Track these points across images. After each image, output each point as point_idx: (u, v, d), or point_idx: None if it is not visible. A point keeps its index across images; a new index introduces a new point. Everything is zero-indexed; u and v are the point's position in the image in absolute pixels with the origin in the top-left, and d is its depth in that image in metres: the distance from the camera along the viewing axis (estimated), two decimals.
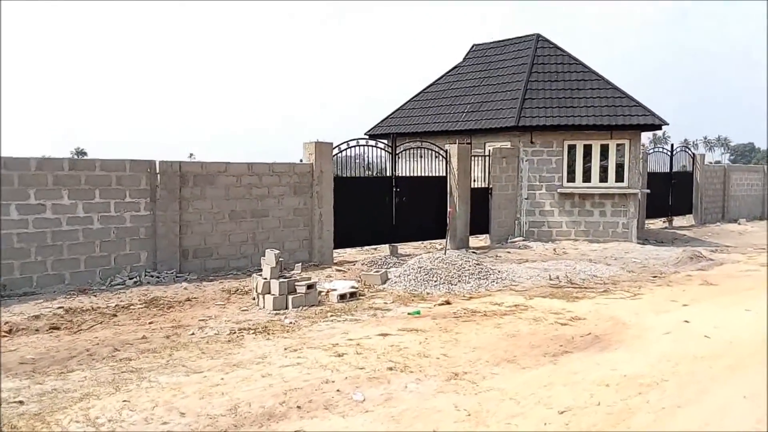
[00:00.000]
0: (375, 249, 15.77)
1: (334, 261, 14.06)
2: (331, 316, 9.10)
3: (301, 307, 9.63)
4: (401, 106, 21.02)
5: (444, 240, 16.23)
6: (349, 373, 6.20)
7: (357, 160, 14.65)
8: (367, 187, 14.64)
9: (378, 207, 14.73)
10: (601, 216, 17.40)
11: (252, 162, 12.76)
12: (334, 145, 13.90)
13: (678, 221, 24.31)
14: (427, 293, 10.73)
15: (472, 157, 17.31)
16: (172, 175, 11.56)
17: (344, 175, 14.33)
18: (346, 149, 14.11)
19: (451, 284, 11.10)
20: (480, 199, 16.91)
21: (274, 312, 9.38)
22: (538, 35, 19.64)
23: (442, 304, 9.90)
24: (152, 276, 11.28)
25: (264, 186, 12.88)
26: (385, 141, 15.04)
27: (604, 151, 17.36)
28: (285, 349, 7.22)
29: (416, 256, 12.25)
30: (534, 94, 17.76)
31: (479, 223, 16.96)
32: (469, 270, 11.55)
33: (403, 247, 16.02)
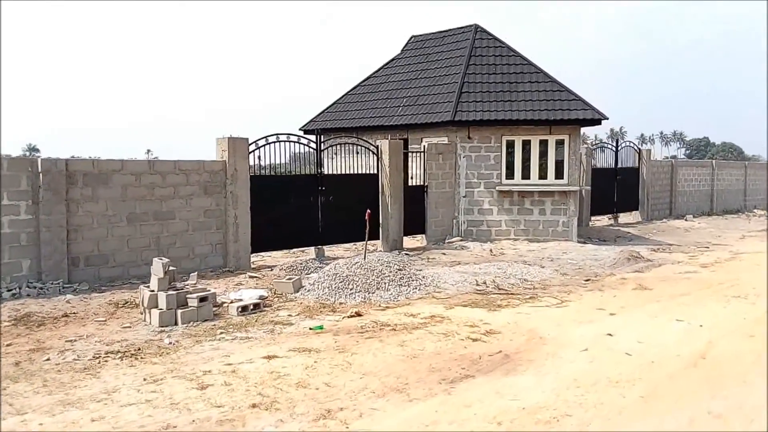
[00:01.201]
0: (303, 251, 14.79)
1: (253, 266, 13.03)
2: (221, 333, 8.09)
3: (191, 323, 8.60)
4: (337, 100, 20.03)
5: (377, 241, 15.33)
6: (199, 414, 5.21)
7: (283, 157, 13.64)
8: (289, 185, 13.63)
9: (302, 207, 13.74)
10: (540, 214, 16.71)
11: (153, 159, 11.64)
12: (250, 141, 12.85)
13: (624, 218, 23.90)
14: (340, 303, 9.80)
15: (410, 154, 16.46)
16: (56, 175, 10.37)
17: (263, 173, 13.28)
18: (264, 145, 13.07)
19: (369, 292, 10.19)
20: (416, 198, 16.05)
21: (159, 329, 8.34)
22: (477, 26, 18.85)
23: (352, 316, 8.98)
24: (34, 287, 10.10)
25: (169, 186, 11.76)
26: (320, 137, 14.03)
27: (544, 147, 16.66)
28: (145, 379, 6.19)
29: (333, 262, 11.30)
30: (471, 88, 16.96)
31: (415, 222, 16.10)
32: (389, 276, 10.65)
33: (334, 250, 15.08)
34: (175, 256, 11.84)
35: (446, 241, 16.31)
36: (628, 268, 12.94)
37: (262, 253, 14.17)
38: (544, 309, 9.37)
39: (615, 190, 22.88)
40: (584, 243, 16.59)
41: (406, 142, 17.31)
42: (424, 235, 16.39)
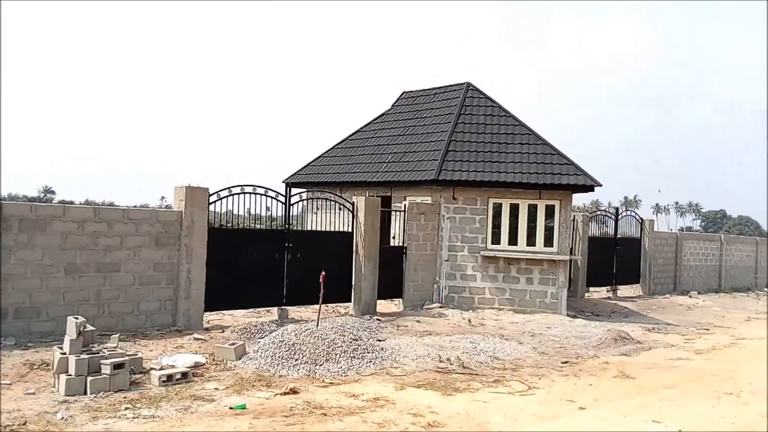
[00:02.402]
0: (269, 311, 13.77)
1: (208, 325, 12.06)
2: (127, 409, 7.07)
3: (102, 393, 7.59)
4: (322, 154, 19.36)
5: (349, 304, 14.33)
6: None
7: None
8: (252, 240, 12.73)
9: (266, 264, 12.82)
10: (528, 283, 15.66)
11: (99, 206, 10.84)
12: (211, 192, 12.05)
13: (625, 291, 22.68)
14: (280, 376, 8.77)
15: (392, 212, 15.63)
16: None
17: (223, 227, 12.44)
18: (227, 196, 12.26)
19: (316, 364, 9.16)
20: (394, 260, 15.11)
21: (63, 398, 7.35)
22: (469, 84, 18.26)
23: (286, 393, 7.94)
24: None
25: (115, 235, 10.91)
26: (304, 190, 13.27)
27: (533, 212, 15.75)
28: None
29: (281, 327, 10.29)
30: (458, 146, 16.21)
31: (393, 286, 15.11)
32: (341, 347, 9.62)
33: (301, 311, 14.05)
34: (117, 311, 10.94)
35: (425, 306, 15.27)
36: (614, 350, 11.79)
37: (224, 312, 13.21)
38: (506, 396, 8.26)
39: (614, 261, 21.74)
40: (574, 317, 15.46)
41: (389, 200, 16.55)
42: (401, 300, 15.36)
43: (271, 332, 11.05)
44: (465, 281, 15.75)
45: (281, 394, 7.90)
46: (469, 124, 16.92)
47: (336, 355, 9.43)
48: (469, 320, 14.11)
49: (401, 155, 17.00)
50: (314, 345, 9.48)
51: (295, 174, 18.97)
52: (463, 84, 18.30)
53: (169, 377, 8.27)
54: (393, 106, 19.94)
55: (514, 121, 17.04)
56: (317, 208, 15.55)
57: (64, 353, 7.88)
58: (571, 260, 16.44)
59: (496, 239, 15.81)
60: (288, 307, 13.28)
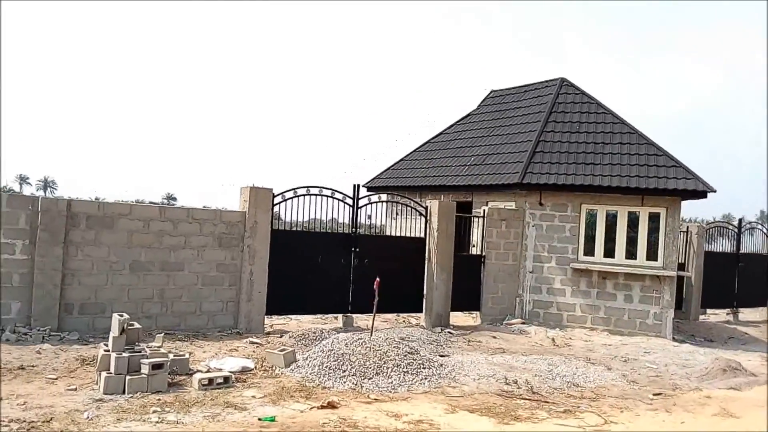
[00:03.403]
0: (336, 318, 13.31)
1: (270, 329, 11.79)
2: (155, 412, 6.77)
3: (138, 393, 7.38)
4: (404, 157, 18.73)
5: (420, 314, 13.58)
6: None
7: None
8: (317, 244, 12.32)
9: (331, 269, 12.33)
10: (626, 301, 14.20)
11: (165, 205, 10.79)
12: (276, 192, 11.75)
13: (748, 314, 20.03)
14: (324, 387, 8.21)
15: (472, 218, 14.72)
16: (55, 215, 9.76)
17: (288, 229, 12.10)
18: (292, 197, 11.91)
19: (365, 377, 8.52)
20: (472, 269, 14.19)
21: (99, 397, 7.20)
22: (563, 79, 16.94)
23: (323, 407, 7.37)
24: (18, 332, 9.37)
25: (180, 235, 10.84)
26: (357, 192, 12.74)
27: (633, 221, 14.30)
28: None
29: (333, 336, 9.73)
30: (547, 147, 15.02)
31: (470, 297, 14.19)
32: (394, 360, 8.92)
33: (365, 319, 13.46)
34: (180, 311, 10.87)
35: (505, 322, 14.21)
36: (720, 382, 10.23)
37: (291, 316, 12.91)
38: (574, 431, 7.23)
39: (736, 280, 19.42)
40: (681, 342, 13.77)
41: (470, 205, 15.65)
42: (479, 313, 14.40)
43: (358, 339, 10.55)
44: (552, 296, 14.54)
45: (318, 408, 7.34)
46: (561, 122, 15.68)
47: (387, 368, 8.75)
48: (553, 339, 12.94)
49: (483, 158, 16.05)
50: (365, 356, 8.84)
51: (374, 178, 18.48)
52: (556, 80, 17.05)
53: (210, 381, 7.97)
54: (479, 106, 18.96)
55: (614, 118, 15.59)
56: (396, 214, 14.97)
57: (107, 350, 7.75)
58: (680, 277, 14.77)
59: (589, 250, 14.48)
60: (354, 315, 12.74)
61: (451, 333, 12.74)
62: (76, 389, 7.48)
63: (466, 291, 13.96)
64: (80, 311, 10.03)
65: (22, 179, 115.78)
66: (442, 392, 8.44)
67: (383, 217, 16.01)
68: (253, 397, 7.63)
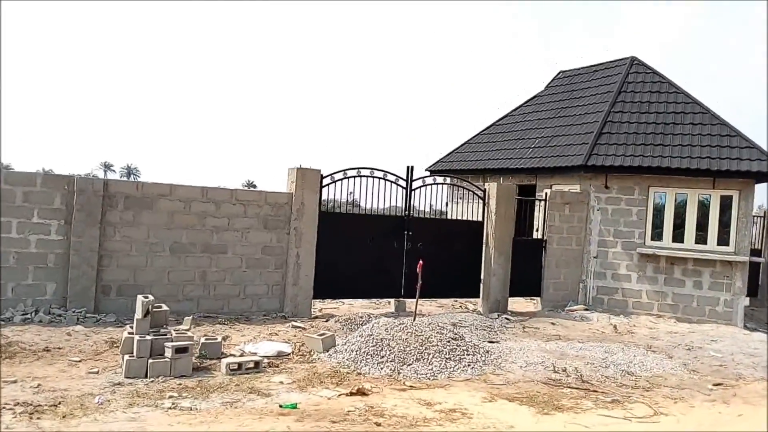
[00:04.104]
0: (389, 303, 12.93)
1: (318, 314, 11.52)
2: (171, 397, 6.56)
3: (161, 377, 7.21)
4: (468, 140, 18.08)
5: (477, 299, 13.02)
6: None
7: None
8: (367, 227, 11.91)
9: (382, 253, 11.93)
10: (695, 288, 13.18)
11: (207, 186, 10.66)
12: (325, 174, 11.44)
13: None
14: (359, 373, 7.84)
15: (536, 202, 14.00)
16: (91, 195, 9.72)
17: (336, 211, 11.77)
18: (342, 179, 11.57)
19: (404, 363, 8.09)
20: (533, 254, 13.50)
21: (120, 381, 7.07)
22: (633, 58, 15.87)
23: (353, 394, 7.00)
24: (53, 314, 9.44)
25: (223, 216, 10.70)
26: (411, 174, 12.26)
27: (704, 205, 13.23)
28: None
29: (374, 320, 9.32)
30: (615, 128, 14.09)
31: (530, 282, 13.51)
32: (437, 346, 8.44)
33: (424, 305, 13.03)
34: (223, 294, 10.74)
35: (567, 308, 13.45)
36: None
37: (344, 300, 12.62)
38: (618, 423, 6.58)
39: None
40: (753, 330, 12.73)
41: (533, 188, 14.91)
42: (539, 299, 13.69)
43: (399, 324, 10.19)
44: (617, 282, 13.66)
45: (347, 395, 6.97)
46: (630, 102, 14.69)
47: (429, 354, 8.29)
48: (615, 326, 12.11)
49: (548, 140, 15.24)
50: (405, 342, 8.41)
51: (437, 162, 17.94)
52: (626, 59, 15.99)
53: (239, 366, 7.71)
54: (547, 87, 18.08)
55: (686, 98, 14.48)
56: (459, 198, 14.44)
57: (131, 333, 7.64)
58: (754, 263, 13.61)
59: (656, 235, 13.52)
60: (407, 300, 12.31)
61: (508, 319, 12.14)
62: (98, 372, 7.36)
63: (527, 276, 13.31)
64: (118, 293, 10.00)
65: (107, 166, 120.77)
66: (484, 380, 7.92)
67: (446, 202, 15.51)
68: (281, 383, 7.34)
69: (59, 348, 8.15)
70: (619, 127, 14.13)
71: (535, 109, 17.22)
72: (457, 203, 14.55)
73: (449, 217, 15.95)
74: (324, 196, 11.55)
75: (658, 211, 13.53)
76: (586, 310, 13.41)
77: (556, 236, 13.59)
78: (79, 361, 7.72)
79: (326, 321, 10.78)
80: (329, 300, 12.42)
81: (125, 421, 5.83)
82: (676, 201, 13.40)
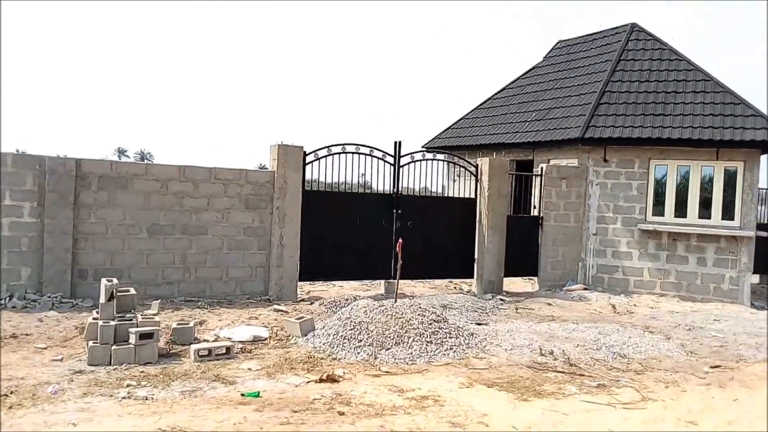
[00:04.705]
0: (381, 284, 12.56)
1: (305, 296, 11.19)
2: (130, 386, 6.24)
3: (126, 364, 6.91)
4: (464, 116, 17.56)
5: (471, 280, 12.63)
6: None
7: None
8: (354, 205, 11.51)
9: (371, 233, 11.54)
10: (699, 265, 12.69)
11: (185, 165, 10.29)
12: (308, 151, 11.03)
13: None
14: (334, 358, 7.49)
15: (533, 177, 13.52)
16: (63, 176, 9.38)
17: (321, 189, 11.37)
18: (326, 156, 11.15)
19: (382, 347, 7.74)
20: (529, 231, 13.07)
21: (82, 368, 6.77)
22: (634, 25, 15.23)
23: (322, 381, 6.65)
24: (27, 299, 9.16)
25: (202, 196, 10.34)
26: (398, 149, 11.80)
27: (707, 177, 12.69)
28: None
29: (354, 302, 8.94)
30: (613, 98, 13.53)
31: (526, 261, 13.08)
32: (417, 329, 8.07)
33: (415, 286, 12.68)
34: (205, 276, 10.42)
35: (565, 287, 13.02)
36: None
37: (334, 282, 12.28)
38: (601, 409, 6.19)
39: None
40: (760, 309, 12.24)
41: (531, 164, 14.42)
42: (537, 278, 13.26)
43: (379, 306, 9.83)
44: (617, 260, 13.19)
45: (316, 382, 6.63)
46: (630, 71, 14.09)
47: (408, 338, 7.92)
48: (614, 306, 11.68)
49: (546, 112, 14.70)
50: (384, 325, 8.04)
51: (434, 139, 17.45)
52: (626, 26, 15.34)
53: (210, 352, 7.40)
54: (545, 58, 17.45)
55: (688, 65, 13.87)
56: (457, 176, 13.98)
57: (96, 318, 7.33)
58: (762, 238, 13.06)
59: (658, 210, 13.01)
60: (394, 281, 11.92)
61: (502, 300, 11.75)
62: (62, 359, 7.06)
63: (523, 255, 12.89)
64: (95, 277, 9.66)
65: (121, 152, 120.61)
66: (465, 364, 7.55)
67: (443, 181, 15.06)
68: (250, 369, 7.01)
69: (27, 334, 7.87)
70: (618, 97, 13.57)
71: (533, 81, 16.64)
72: (455, 181, 14.09)
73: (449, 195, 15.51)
74: (311, 175, 11.15)
75: (660, 185, 13.02)
76: (585, 289, 12.97)
77: (553, 213, 13.11)
78: (45, 348, 7.43)
79: (311, 304, 10.44)
80: (320, 282, 12.10)
81: (74, 411, 5.52)
82: (678, 174, 12.87)
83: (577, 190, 13.27)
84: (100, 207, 9.69)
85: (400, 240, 9.12)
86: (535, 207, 13.73)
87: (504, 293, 12.28)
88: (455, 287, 12.99)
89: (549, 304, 11.66)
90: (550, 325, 9.79)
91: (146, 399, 5.92)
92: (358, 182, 11.53)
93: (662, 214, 12.92)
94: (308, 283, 11.97)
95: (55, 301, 9.23)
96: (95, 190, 9.65)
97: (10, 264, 9.23)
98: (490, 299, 11.72)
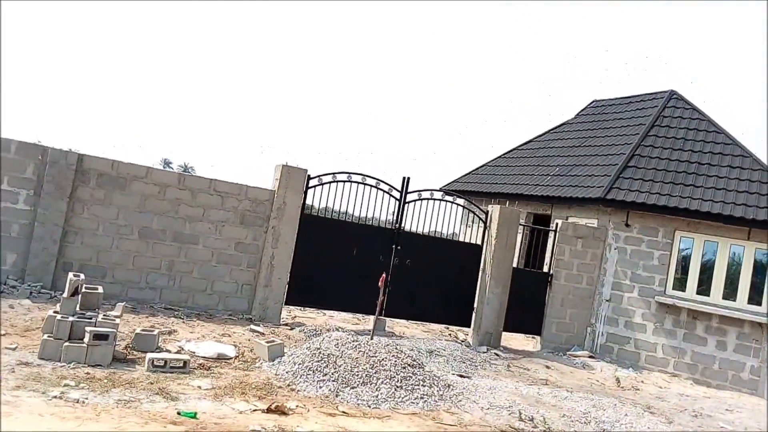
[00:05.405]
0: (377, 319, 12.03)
1: (289, 320, 10.77)
2: (67, 386, 5.88)
3: (75, 363, 6.56)
4: (487, 162, 17.16)
5: (468, 329, 12.02)
6: None
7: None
8: (352, 236, 11.06)
9: (366, 265, 11.05)
10: (719, 348, 11.84)
11: (186, 174, 10.07)
12: (312, 175, 10.73)
13: None
14: (292, 389, 7.02)
15: (548, 232, 12.95)
16: (63, 168, 9.23)
17: (320, 215, 11.01)
18: (330, 182, 10.82)
19: (347, 385, 7.22)
20: (535, 287, 12.42)
21: (28, 361, 6.44)
22: (672, 92, 14.71)
23: (270, 411, 6.17)
24: (7, 284, 8.93)
25: (198, 206, 10.07)
26: (406, 186, 11.39)
27: (736, 256, 11.94)
28: None
29: (326, 334, 8.43)
30: (642, 162, 12.96)
31: (530, 318, 12.41)
32: (389, 371, 7.54)
33: (410, 327, 12.15)
34: (189, 286, 10.10)
35: (570, 352, 12.27)
36: None
37: (325, 311, 11.81)
38: None
39: None
40: None
41: (549, 219, 13.87)
42: (540, 338, 12.56)
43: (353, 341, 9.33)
44: (630, 330, 12.42)
45: (263, 411, 6.15)
46: (663, 137, 13.53)
47: (377, 379, 7.39)
48: (618, 379, 10.91)
49: (569, 168, 14.18)
50: (354, 361, 7.54)
51: (453, 182, 17.06)
52: (665, 92, 14.84)
53: (165, 363, 7.00)
54: (577, 115, 17.01)
55: (726, 138, 13.25)
56: (471, 222, 13.52)
57: (55, 312, 7.02)
58: None
59: (679, 284, 12.27)
60: (389, 319, 11.42)
61: (497, 354, 11.10)
62: (15, 349, 6.75)
63: (528, 311, 12.24)
64: (79, 271, 9.24)
65: (166, 163, 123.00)
66: (433, 417, 6.97)
67: (458, 224, 14.61)
68: (199, 387, 6.57)
69: None
70: (648, 161, 12.99)
71: (561, 137, 16.17)
72: (469, 227, 13.62)
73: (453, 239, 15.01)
74: (311, 200, 10.83)
75: (684, 258, 12.30)
76: (591, 357, 12.20)
77: (564, 272, 12.47)
78: (3, 335, 7.13)
79: (291, 329, 9.98)
80: (310, 309, 11.66)
81: None
82: (704, 249, 12.14)
83: (594, 251, 12.63)
84: (95, 204, 9.49)
85: (383, 275, 8.65)
86: (546, 264, 13.12)
87: (501, 348, 11.63)
88: (450, 334, 12.37)
89: (547, 367, 10.96)
90: (540, 389, 9.11)
91: (77, 402, 5.55)
92: (359, 214, 11.11)
93: (683, 289, 12.17)
94: (298, 308, 11.57)
95: (34, 291, 8.98)
96: (93, 186, 9.47)
97: None
98: (484, 352, 11.08)
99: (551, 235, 12.81)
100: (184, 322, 9.14)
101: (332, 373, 7.34)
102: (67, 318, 6.84)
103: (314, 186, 10.75)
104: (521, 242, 13.57)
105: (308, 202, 10.81)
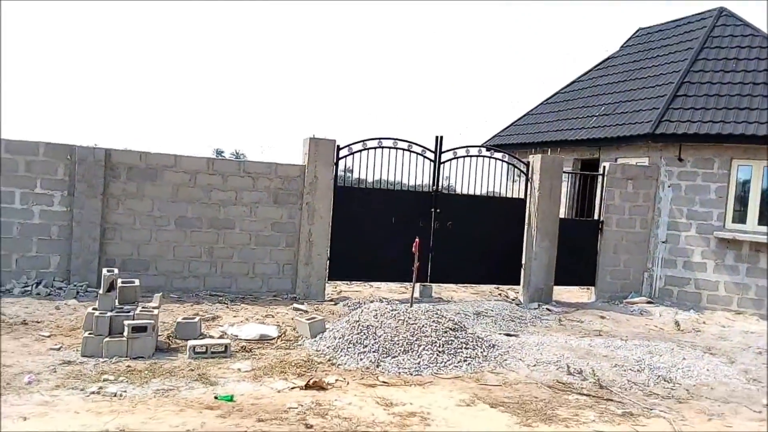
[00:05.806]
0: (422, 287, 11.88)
1: (335, 296, 10.72)
2: (107, 380, 5.98)
3: (117, 357, 6.68)
4: (529, 111, 16.52)
5: (517, 287, 11.72)
6: None
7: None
8: (389, 204, 10.87)
9: (406, 233, 10.82)
10: None
11: (214, 157, 10.06)
12: (341, 145, 10.55)
13: None
14: (333, 364, 6.96)
15: (599, 177, 12.41)
16: (92, 165, 9.36)
17: (356, 186, 10.83)
18: (360, 150, 10.62)
19: (388, 354, 7.12)
20: (586, 237, 11.96)
21: (72, 359, 6.60)
22: (722, 9, 13.66)
23: (309, 387, 6.12)
24: (54, 287, 9.21)
25: (230, 189, 10.08)
26: (440, 145, 11.07)
27: None
28: None
29: (365, 306, 8.31)
30: (692, 90, 12.17)
31: (583, 269, 11.98)
32: (430, 337, 7.39)
33: (456, 291, 11.94)
34: (231, 272, 10.16)
35: (627, 299, 11.81)
36: None
37: (371, 283, 11.73)
38: None
39: None
40: None
41: (597, 162, 13.29)
42: (593, 288, 12.13)
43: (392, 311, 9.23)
44: (690, 271, 11.84)
45: (301, 388, 6.11)
46: (714, 60, 12.65)
47: (419, 346, 7.25)
48: (677, 323, 10.42)
49: (615, 106, 13.47)
50: (394, 330, 7.41)
51: (494, 137, 16.54)
52: (713, 10, 13.82)
53: (207, 349, 7.05)
54: (621, 47, 16.10)
55: None
56: (517, 176, 13.11)
57: (94, 309, 7.15)
58: None
59: (740, 217, 11.57)
60: (435, 284, 11.24)
61: (549, 310, 10.79)
62: (59, 349, 6.91)
63: (579, 262, 11.83)
64: (122, 268, 9.48)
65: (218, 153, 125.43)
66: (477, 379, 6.80)
67: (503, 180, 14.21)
68: (239, 370, 6.58)
69: (38, 322, 7.83)
70: (699, 88, 12.19)
71: (606, 73, 15.37)
72: (515, 181, 13.18)
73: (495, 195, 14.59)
74: (344, 171, 10.66)
75: (743, 189, 11.57)
76: (650, 303, 11.72)
77: (615, 217, 11.94)
78: (48, 336, 7.33)
79: (335, 305, 9.94)
80: (356, 282, 11.61)
81: (35, 404, 5.30)
82: (764, 176, 11.38)
83: (646, 192, 12.03)
84: (128, 198, 9.62)
85: (417, 240, 8.43)
86: (596, 211, 12.60)
87: (553, 303, 11.29)
88: (500, 294, 12.09)
89: (602, 317, 10.59)
90: (592, 340, 8.79)
91: (114, 396, 5.63)
92: (395, 179, 10.88)
93: (744, 222, 11.48)
94: (345, 282, 11.51)
95: (80, 290, 9.22)
96: (124, 180, 9.59)
97: (39, 251, 9.31)
98: (535, 308, 10.79)
99: (599, 179, 12.27)
100: (228, 307, 9.22)
101: (372, 344, 7.24)
102: (105, 314, 6.94)
103: (344, 156, 10.57)
104: (568, 191, 13.06)
105: (340, 173, 10.65)
